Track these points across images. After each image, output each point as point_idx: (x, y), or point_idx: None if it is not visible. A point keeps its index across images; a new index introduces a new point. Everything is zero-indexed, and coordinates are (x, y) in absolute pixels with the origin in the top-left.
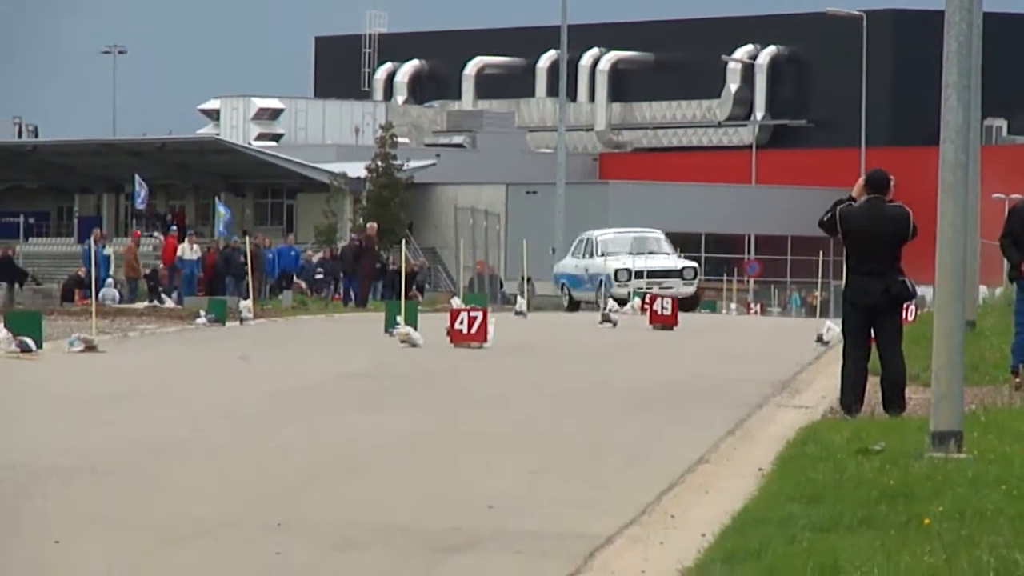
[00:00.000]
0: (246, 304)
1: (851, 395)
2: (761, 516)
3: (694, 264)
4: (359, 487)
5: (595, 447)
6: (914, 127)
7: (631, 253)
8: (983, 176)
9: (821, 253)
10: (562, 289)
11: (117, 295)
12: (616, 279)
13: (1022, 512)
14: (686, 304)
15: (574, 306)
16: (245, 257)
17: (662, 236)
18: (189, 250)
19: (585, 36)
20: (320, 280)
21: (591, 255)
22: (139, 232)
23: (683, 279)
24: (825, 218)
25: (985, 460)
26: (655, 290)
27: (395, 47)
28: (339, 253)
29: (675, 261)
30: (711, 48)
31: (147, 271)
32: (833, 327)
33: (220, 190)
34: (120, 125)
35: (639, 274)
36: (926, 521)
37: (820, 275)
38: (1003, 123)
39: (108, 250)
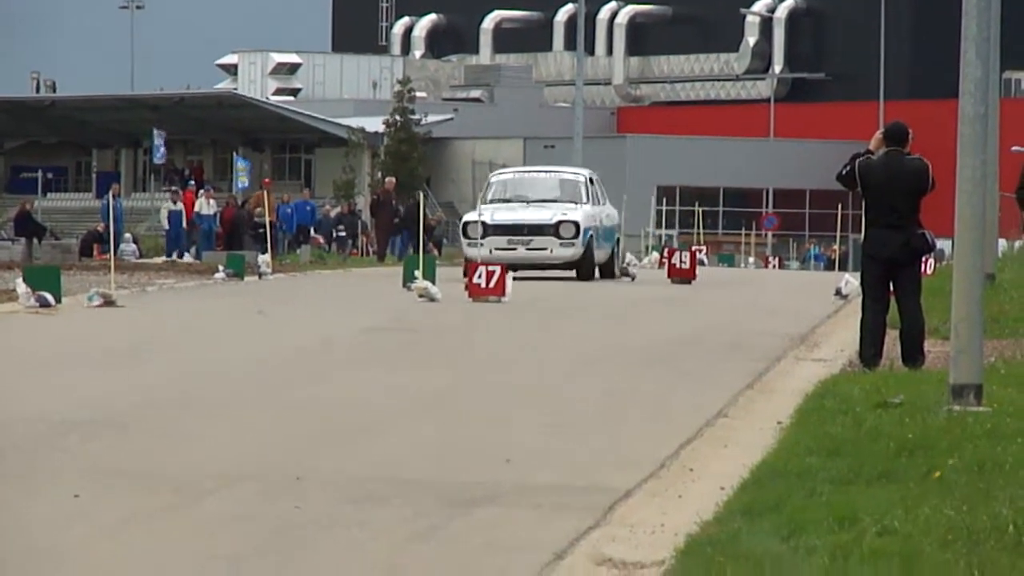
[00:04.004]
0: (264, 259)
1: (870, 348)
2: (780, 469)
3: (577, 219)
4: (377, 442)
5: (614, 401)
6: (933, 81)
7: (526, 202)
8: (1002, 130)
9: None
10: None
11: (136, 250)
12: (466, 235)
13: None
14: (579, 273)
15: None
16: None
17: (583, 179)
18: (206, 205)
19: None
20: (342, 237)
21: (483, 201)
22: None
23: (559, 238)
24: (844, 171)
25: (1004, 413)
26: (519, 252)
27: (412, 1)
28: (356, 208)
29: (552, 214)
30: (729, 1)
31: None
32: (851, 280)
33: (238, 145)
34: (138, 80)
35: (499, 229)
36: (936, 475)
37: (838, 229)
38: (1022, 76)
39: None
